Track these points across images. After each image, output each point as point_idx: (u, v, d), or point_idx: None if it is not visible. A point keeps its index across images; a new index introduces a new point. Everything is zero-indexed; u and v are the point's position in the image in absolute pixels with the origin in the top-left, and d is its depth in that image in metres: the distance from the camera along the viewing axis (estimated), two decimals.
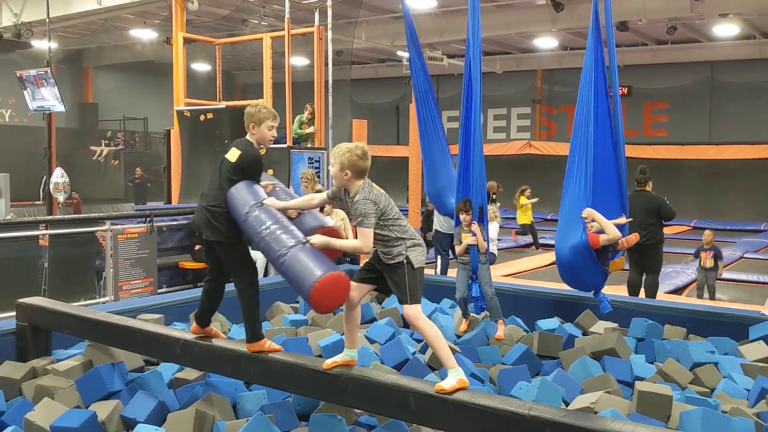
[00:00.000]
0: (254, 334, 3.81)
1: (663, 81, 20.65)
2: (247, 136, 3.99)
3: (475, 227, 5.78)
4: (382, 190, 3.56)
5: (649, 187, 8.13)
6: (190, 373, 4.53)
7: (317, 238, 3.53)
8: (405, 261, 3.40)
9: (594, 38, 5.95)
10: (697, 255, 9.75)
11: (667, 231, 9.73)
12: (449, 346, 4.91)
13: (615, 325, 5.76)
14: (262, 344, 3.79)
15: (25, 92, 14.23)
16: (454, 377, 3.19)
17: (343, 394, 3.52)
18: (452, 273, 7.87)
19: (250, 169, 3.88)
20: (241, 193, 3.76)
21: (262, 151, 10.63)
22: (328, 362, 3.52)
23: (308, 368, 3.58)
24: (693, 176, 20.67)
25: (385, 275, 3.48)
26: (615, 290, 8.17)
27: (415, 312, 3.38)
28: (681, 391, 4.48)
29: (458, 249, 5.88)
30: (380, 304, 6.66)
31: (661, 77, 21.29)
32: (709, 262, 9.50)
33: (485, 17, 6.10)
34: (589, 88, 5.91)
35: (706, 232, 9.84)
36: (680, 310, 5.98)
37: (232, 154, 3.91)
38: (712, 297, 9.63)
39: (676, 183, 18.82)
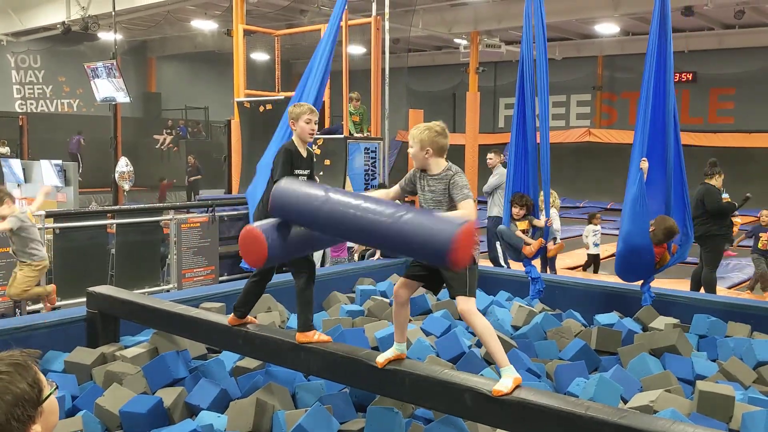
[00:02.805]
0: (306, 325, 3.92)
1: (730, 66, 19.95)
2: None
3: (539, 223, 5.86)
4: None
5: (714, 181, 7.86)
6: (250, 362, 4.66)
7: None
8: None
9: (658, 22, 5.82)
10: (750, 235, 8.82)
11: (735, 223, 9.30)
12: (505, 341, 4.94)
13: (676, 321, 5.64)
14: (311, 335, 3.90)
15: (92, 83, 14.73)
16: (509, 377, 3.17)
17: (399, 389, 3.55)
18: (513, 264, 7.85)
19: (277, 164, 3.98)
20: (296, 186, 3.50)
21: (319, 142, 10.58)
22: (381, 360, 3.55)
23: (365, 363, 3.62)
24: (761, 165, 19.96)
25: (441, 269, 3.44)
26: (676, 284, 8.01)
27: (471, 307, 3.37)
28: (744, 391, 4.37)
29: (526, 250, 5.94)
30: (436, 295, 6.64)
31: (728, 63, 20.57)
32: None
33: (545, 3, 6.07)
34: (648, 76, 5.81)
35: (763, 211, 9.03)
36: (744, 306, 5.82)
37: None
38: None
39: (743, 172, 18.20)
